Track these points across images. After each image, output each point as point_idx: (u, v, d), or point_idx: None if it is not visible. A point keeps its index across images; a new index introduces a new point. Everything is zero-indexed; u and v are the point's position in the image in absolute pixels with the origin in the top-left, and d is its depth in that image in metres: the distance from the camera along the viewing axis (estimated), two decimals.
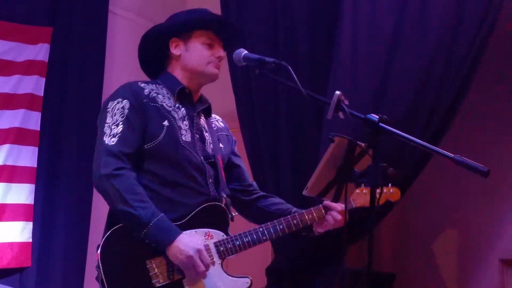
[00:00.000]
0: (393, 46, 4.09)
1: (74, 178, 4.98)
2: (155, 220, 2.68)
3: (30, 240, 4.75)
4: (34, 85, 4.90)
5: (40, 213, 4.82)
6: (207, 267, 2.75)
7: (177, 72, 3.04)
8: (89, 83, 5.17)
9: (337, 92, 2.45)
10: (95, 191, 4.95)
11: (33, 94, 4.88)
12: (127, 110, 2.83)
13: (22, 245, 4.70)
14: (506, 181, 5.00)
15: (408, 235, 5.55)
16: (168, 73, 3.06)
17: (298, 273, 4.28)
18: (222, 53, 3.03)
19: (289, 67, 2.64)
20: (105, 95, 5.16)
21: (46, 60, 4.98)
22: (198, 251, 2.73)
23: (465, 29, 3.98)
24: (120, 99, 2.87)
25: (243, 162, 3.31)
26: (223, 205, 2.95)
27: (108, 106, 2.87)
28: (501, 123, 5.12)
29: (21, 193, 4.74)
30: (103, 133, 2.80)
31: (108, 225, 2.84)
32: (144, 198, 2.72)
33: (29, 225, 4.76)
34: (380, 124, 2.34)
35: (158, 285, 2.74)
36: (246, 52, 2.87)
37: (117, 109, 2.84)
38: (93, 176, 2.78)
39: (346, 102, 2.46)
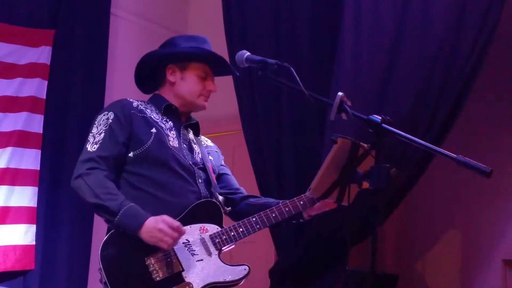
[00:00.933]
0: (395, 47, 4.09)
1: None
2: (124, 208, 2.80)
3: (34, 243, 4.75)
4: (37, 87, 4.90)
5: (43, 216, 4.83)
6: (177, 229, 2.81)
7: (168, 96, 3.17)
8: (91, 85, 5.18)
9: (340, 93, 2.45)
10: None
11: (36, 97, 4.89)
12: (110, 121, 2.99)
13: (25, 248, 4.70)
14: (509, 181, 5.00)
15: (411, 236, 5.55)
16: (157, 95, 3.20)
17: (301, 274, 4.29)
18: (213, 87, 3.17)
19: (292, 69, 2.64)
20: (107, 97, 5.17)
21: (49, 63, 4.99)
22: (163, 220, 2.80)
23: (467, 29, 3.99)
24: (106, 112, 3.04)
25: (232, 172, 3.39)
26: (216, 200, 3.05)
27: (95, 120, 3.05)
28: (503, 123, 5.13)
29: (24, 196, 4.75)
30: (87, 141, 2.98)
31: (109, 229, 2.94)
32: (113, 191, 2.87)
33: (33, 227, 4.76)
34: (383, 125, 2.35)
35: (158, 279, 2.81)
36: (248, 53, 2.87)
37: (102, 120, 3.01)
38: (72, 176, 2.93)
39: (349, 103, 2.46)
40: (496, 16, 3.99)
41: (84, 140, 2.99)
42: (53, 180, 4.92)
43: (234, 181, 3.33)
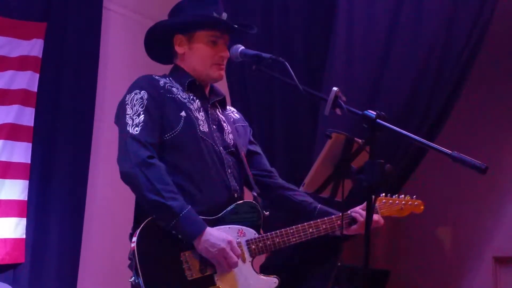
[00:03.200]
0: (389, 42, 4.10)
1: (68, 174, 4.96)
2: (185, 211, 2.68)
3: (24, 236, 4.71)
4: (28, 80, 4.86)
5: (34, 209, 4.79)
6: (238, 257, 2.76)
7: (184, 67, 3.03)
8: (83, 79, 5.15)
9: (335, 88, 2.45)
10: (89, 187, 4.98)
11: (27, 90, 4.85)
12: (146, 101, 2.82)
13: (15, 241, 4.67)
14: (500, 179, 5.01)
15: (403, 232, 5.56)
16: (177, 66, 3.05)
17: (293, 269, 4.28)
18: (225, 53, 3.00)
19: (286, 63, 2.64)
20: (99, 91, 5.14)
21: (40, 56, 4.94)
22: (229, 242, 2.74)
23: (461, 23, 4.00)
24: (137, 91, 2.86)
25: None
26: (257, 204, 2.94)
27: (126, 99, 2.86)
28: (495, 119, 5.14)
29: (14, 189, 4.71)
30: (126, 124, 2.79)
31: (138, 215, 2.84)
32: (174, 189, 2.72)
33: (23, 221, 4.72)
34: (378, 120, 2.34)
35: (190, 278, 2.73)
36: (243, 47, 2.87)
37: (136, 100, 2.82)
38: (122, 164, 2.76)
39: (343, 98, 2.46)
40: (488, 12, 4.00)
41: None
42: (44, 174, 4.89)
43: (265, 162, 3.22)
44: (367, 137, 2.36)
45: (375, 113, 2.35)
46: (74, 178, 4.99)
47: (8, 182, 4.71)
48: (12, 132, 4.76)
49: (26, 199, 4.77)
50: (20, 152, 4.79)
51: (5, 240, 4.64)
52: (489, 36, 4.04)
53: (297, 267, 4.25)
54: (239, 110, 4.62)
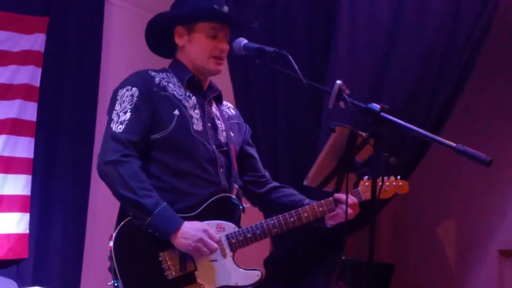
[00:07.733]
0: (392, 35, 4.09)
1: (71, 169, 4.95)
2: (158, 209, 2.68)
3: (27, 231, 4.72)
4: (30, 75, 4.85)
5: (37, 204, 4.80)
6: (218, 243, 2.75)
7: (185, 61, 2.99)
8: (85, 73, 5.14)
9: (338, 82, 2.43)
10: (92, 182, 4.97)
11: (29, 85, 4.85)
12: (135, 98, 2.81)
13: (19, 236, 4.67)
14: (506, 172, 4.99)
15: (407, 226, 5.55)
16: (177, 61, 3.02)
17: (297, 264, 4.28)
18: (225, 45, 2.96)
19: (289, 56, 2.62)
20: (102, 85, 5.13)
21: (42, 50, 4.94)
22: (205, 231, 2.72)
23: (465, 16, 3.98)
24: (129, 87, 2.84)
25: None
26: (234, 197, 2.92)
27: (117, 94, 2.85)
28: (499, 114, 5.12)
29: (17, 184, 4.71)
30: (111, 120, 2.80)
31: (121, 216, 2.83)
32: (148, 186, 2.72)
33: (26, 216, 4.73)
34: (382, 113, 2.33)
35: (170, 277, 2.72)
36: (246, 41, 2.85)
37: (126, 97, 2.81)
38: (98, 161, 2.78)
39: (347, 92, 2.44)
40: (493, 5, 3.98)
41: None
42: (47, 168, 4.89)
43: (259, 165, 3.20)
44: (371, 130, 2.34)
45: (379, 106, 2.34)
46: (77, 173, 4.99)
47: (11, 177, 4.72)
48: (14, 127, 4.76)
49: (29, 194, 4.78)
50: (23, 147, 4.79)
51: (8, 235, 4.64)
52: (492, 34, 4.03)
53: (300, 261, 4.24)
54: (242, 104, 4.67)
